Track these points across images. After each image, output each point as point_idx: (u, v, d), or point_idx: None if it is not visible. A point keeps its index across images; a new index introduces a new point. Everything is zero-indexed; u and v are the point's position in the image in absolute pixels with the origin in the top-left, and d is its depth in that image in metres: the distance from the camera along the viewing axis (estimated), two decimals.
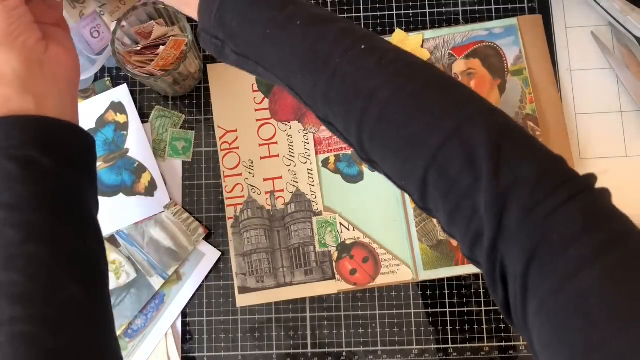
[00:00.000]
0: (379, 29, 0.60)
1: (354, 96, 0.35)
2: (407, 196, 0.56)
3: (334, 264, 0.56)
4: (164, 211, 0.57)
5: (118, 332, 0.55)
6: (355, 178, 0.58)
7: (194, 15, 0.41)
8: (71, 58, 0.44)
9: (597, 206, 0.30)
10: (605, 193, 0.31)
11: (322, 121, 0.38)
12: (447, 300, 0.56)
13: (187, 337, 0.56)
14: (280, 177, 0.58)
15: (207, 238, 0.57)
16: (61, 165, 0.39)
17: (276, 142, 0.59)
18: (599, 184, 0.31)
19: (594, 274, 0.27)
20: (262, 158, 0.58)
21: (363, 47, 0.35)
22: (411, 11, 0.61)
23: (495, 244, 0.31)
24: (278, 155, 0.58)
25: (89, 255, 0.40)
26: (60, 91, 0.42)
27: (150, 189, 0.58)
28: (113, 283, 0.56)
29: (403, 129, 0.33)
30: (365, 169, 0.58)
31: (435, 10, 0.61)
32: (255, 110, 0.59)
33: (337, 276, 0.56)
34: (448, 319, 0.55)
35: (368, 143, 0.36)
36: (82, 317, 0.37)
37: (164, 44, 0.53)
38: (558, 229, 0.29)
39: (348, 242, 0.56)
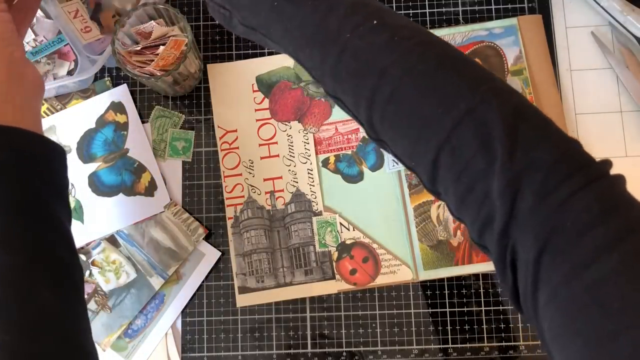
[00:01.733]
0: None
1: (364, 73, 0.34)
2: (407, 196, 0.56)
3: (334, 264, 0.56)
4: (164, 211, 0.57)
5: (118, 332, 0.55)
6: (355, 178, 0.58)
7: None
8: (39, 75, 0.45)
9: (613, 193, 0.29)
10: (620, 180, 0.30)
11: (331, 96, 0.38)
12: (447, 300, 0.56)
13: (187, 337, 0.56)
14: (280, 177, 0.58)
15: (207, 238, 0.57)
16: (30, 175, 0.39)
17: (276, 142, 0.59)
18: None
19: (609, 264, 0.26)
20: (262, 158, 0.58)
21: (375, 22, 0.34)
22: (411, 11, 0.61)
23: (506, 229, 0.30)
24: (278, 155, 0.58)
25: (60, 262, 0.40)
26: (33, 106, 0.43)
27: (150, 189, 0.58)
28: (113, 283, 0.56)
29: (415, 110, 0.33)
30: (365, 168, 0.58)
31: (435, 10, 0.61)
32: (255, 110, 0.59)
33: (337, 276, 0.56)
34: (448, 319, 0.55)
35: (378, 123, 0.35)
36: (56, 323, 0.37)
37: (164, 44, 0.53)
38: (573, 217, 0.28)
39: (348, 242, 0.56)
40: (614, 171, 0.30)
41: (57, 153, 0.43)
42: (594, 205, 0.28)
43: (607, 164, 0.30)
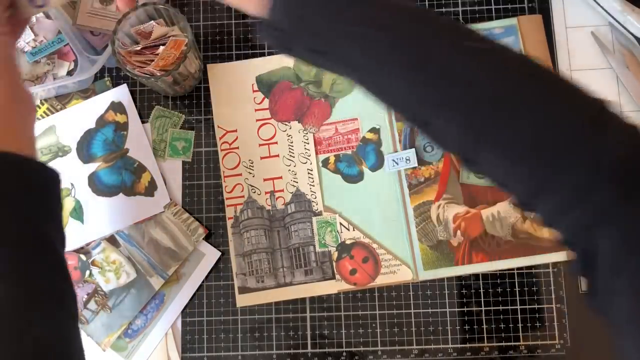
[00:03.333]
0: None
1: (461, 96, 0.33)
2: (407, 196, 0.56)
3: (334, 264, 0.56)
4: (164, 211, 0.57)
5: (118, 332, 0.55)
6: (355, 178, 0.58)
7: (251, 10, 0.37)
8: (32, 96, 0.45)
9: None
10: None
11: (409, 122, 0.37)
12: (447, 300, 0.56)
13: (187, 337, 0.56)
14: (280, 177, 0.58)
15: (207, 238, 0.57)
16: (32, 204, 0.40)
17: (276, 142, 0.59)
18: None
19: None
20: (262, 158, 0.58)
21: (466, 44, 0.34)
22: None
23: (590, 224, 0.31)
24: (278, 155, 0.58)
25: (54, 290, 0.40)
26: (28, 129, 0.43)
27: (150, 189, 0.58)
28: (113, 283, 0.56)
29: (528, 138, 0.32)
30: (365, 168, 0.58)
31: (435, 10, 0.60)
32: (255, 110, 0.59)
33: (337, 276, 0.56)
34: (448, 319, 0.55)
35: (480, 142, 0.34)
36: (50, 354, 0.37)
37: (164, 44, 0.53)
38: None
39: (348, 242, 0.56)
40: None
41: (54, 178, 0.43)
42: None
43: None
